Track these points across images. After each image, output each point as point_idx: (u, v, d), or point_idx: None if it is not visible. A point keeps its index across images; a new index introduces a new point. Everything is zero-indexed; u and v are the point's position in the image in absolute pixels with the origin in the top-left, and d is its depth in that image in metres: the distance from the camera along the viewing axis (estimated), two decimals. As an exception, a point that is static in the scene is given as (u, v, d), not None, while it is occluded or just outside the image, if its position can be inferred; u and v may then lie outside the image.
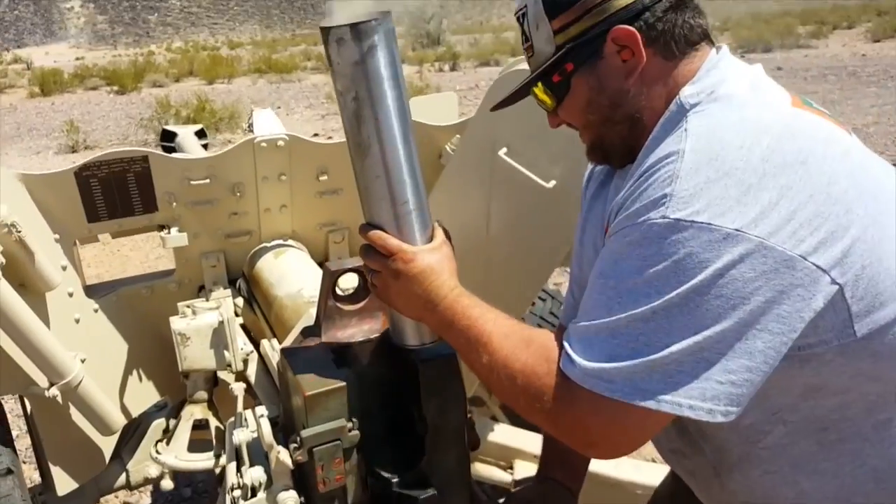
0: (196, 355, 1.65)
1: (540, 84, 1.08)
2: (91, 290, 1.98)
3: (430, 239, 1.08)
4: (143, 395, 2.08)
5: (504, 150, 1.78)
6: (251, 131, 2.24)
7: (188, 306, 1.68)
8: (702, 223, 0.81)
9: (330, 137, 10.93)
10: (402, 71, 1.01)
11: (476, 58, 25.01)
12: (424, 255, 1.04)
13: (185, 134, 3.66)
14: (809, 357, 0.90)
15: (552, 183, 1.72)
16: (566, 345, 0.91)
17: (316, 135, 11.27)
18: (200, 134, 3.81)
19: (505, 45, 29.72)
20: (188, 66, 28.53)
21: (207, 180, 1.89)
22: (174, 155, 2.05)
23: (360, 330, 1.25)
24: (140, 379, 2.07)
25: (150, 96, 18.04)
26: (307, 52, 36.80)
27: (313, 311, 1.47)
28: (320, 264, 2.21)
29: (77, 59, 58.49)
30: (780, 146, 0.86)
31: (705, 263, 0.80)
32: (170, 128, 3.81)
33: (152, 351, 2.06)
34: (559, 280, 4.64)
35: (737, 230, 0.80)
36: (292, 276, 1.87)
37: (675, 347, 0.82)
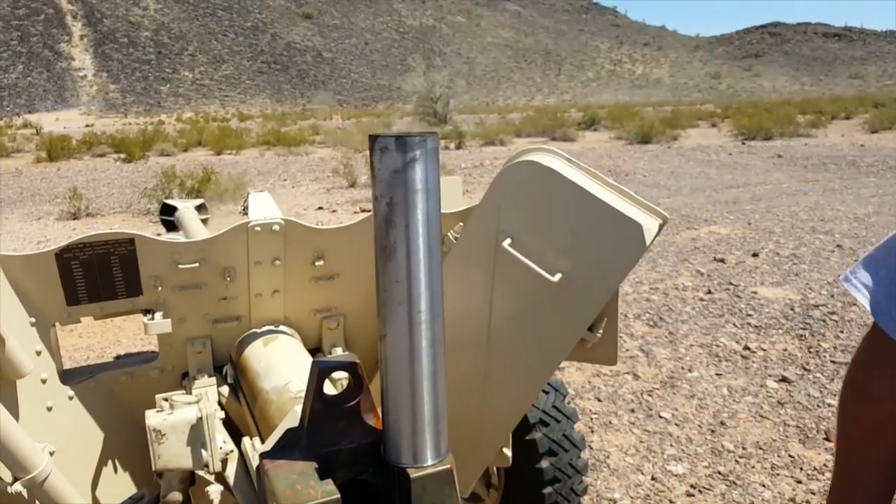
0: (171, 453, 1.52)
1: None
2: (67, 376, 1.86)
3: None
4: (119, 486, 1.93)
5: (508, 241, 1.72)
6: (246, 213, 2.18)
7: (166, 399, 1.57)
8: None
9: (334, 211, 10.97)
10: (440, 187, 1.07)
11: (481, 137, 25.54)
12: None
13: (185, 208, 3.63)
14: None
15: (558, 276, 1.65)
16: None
17: (321, 208, 11.31)
18: (201, 208, 3.79)
19: (510, 125, 30.43)
20: (197, 137, 29.11)
21: (196, 264, 1.80)
22: (163, 237, 1.98)
23: (348, 434, 1.14)
24: (115, 470, 1.93)
25: (157, 165, 18.28)
26: (315, 126, 37.68)
27: (299, 409, 1.36)
28: (313, 352, 2.10)
29: (87, 125, 59.94)
30: None
31: None
32: (170, 202, 3.78)
33: (130, 440, 1.92)
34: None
35: None
36: (280, 366, 1.76)
37: None
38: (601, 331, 1.79)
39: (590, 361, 1.92)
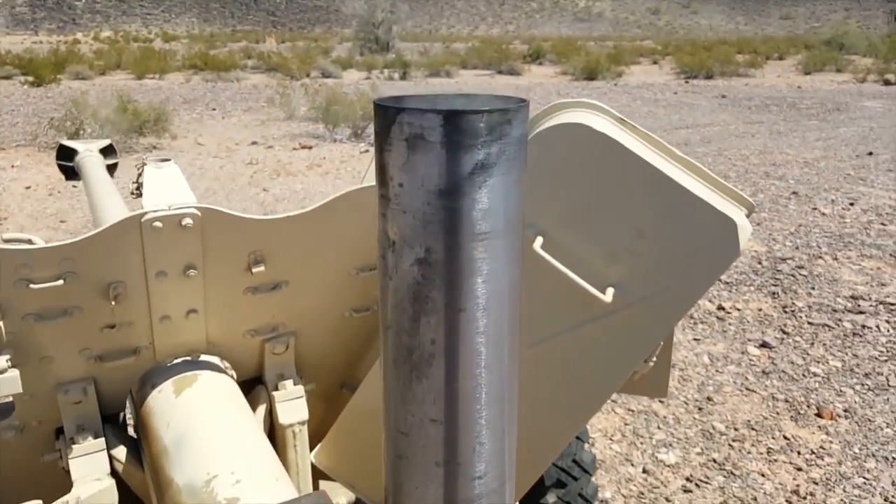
0: None
1: None
2: None
3: None
4: None
5: (539, 240, 1.21)
6: (138, 194, 1.54)
7: None
8: None
9: (271, 146, 10.16)
10: (523, 222, 0.58)
11: (427, 67, 24.52)
12: None
13: (88, 152, 2.94)
14: None
15: (609, 293, 1.16)
16: None
17: (255, 143, 10.48)
18: (108, 151, 3.10)
19: (455, 56, 29.41)
20: (116, 59, 27.00)
21: (60, 281, 1.21)
22: (3, 242, 1.33)
23: None
24: None
25: (70, 90, 16.77)
26: (248, 49, 35.63)
27: None
28: (251, 383, 1.54)
29: (-6, 43, 55.03)
30: None
31: None
32: (69, 143, 3.07)
33: None
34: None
35: None
36: (199, 440, 1.18)
37: None
38: (654, 359, 1.35)
39: (633, 393, 1.49)
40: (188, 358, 1.40)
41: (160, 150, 9.89)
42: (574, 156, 1.19)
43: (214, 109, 14.51)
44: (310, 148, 10.07)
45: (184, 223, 1.24)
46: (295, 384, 1.49)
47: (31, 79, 19.48)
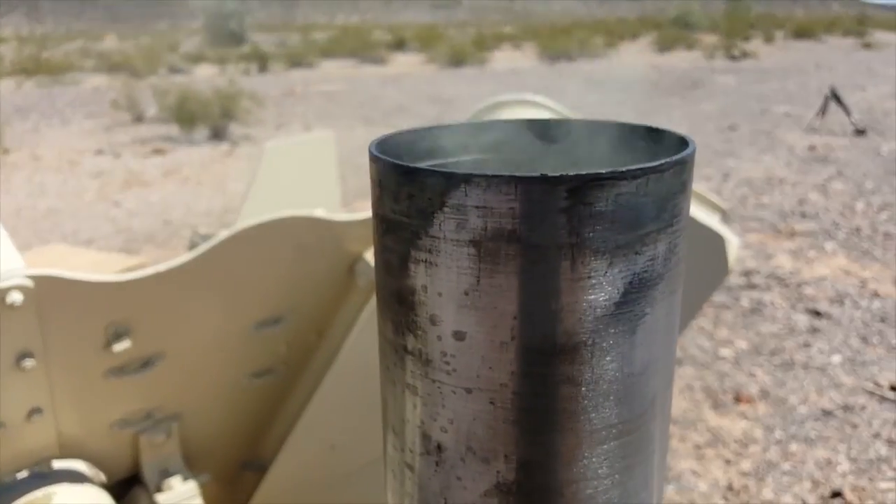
0: None
1: None
2: None
3: None
4: None
5: None
6: None
7: None
8: None
9: (119, 155, 9.21)
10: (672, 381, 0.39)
11: (286, 59, 23.60)
12: None
13: None
14: None
15: None
16: None
17: (101, 152, 9.47)
18: None
19: (315, 46, 28.57)
20: (-70, 65, 24.09)
21: None
22: None
23: None
24: None
25: None
26: (86, 49, 32.93)
27: None
28: (126, 485, 1.15)
29: None
30: None
31: None
32: None
33: None
34: None
35: None
36: None
37: None
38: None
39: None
40: (39, 469, 1.03)
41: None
42: None
43: (52, 117, 13.12)
44: (164, 153, 9.22)
45: (9, 301, 0.91)
46: (185, 479, 1.14)
47: None
